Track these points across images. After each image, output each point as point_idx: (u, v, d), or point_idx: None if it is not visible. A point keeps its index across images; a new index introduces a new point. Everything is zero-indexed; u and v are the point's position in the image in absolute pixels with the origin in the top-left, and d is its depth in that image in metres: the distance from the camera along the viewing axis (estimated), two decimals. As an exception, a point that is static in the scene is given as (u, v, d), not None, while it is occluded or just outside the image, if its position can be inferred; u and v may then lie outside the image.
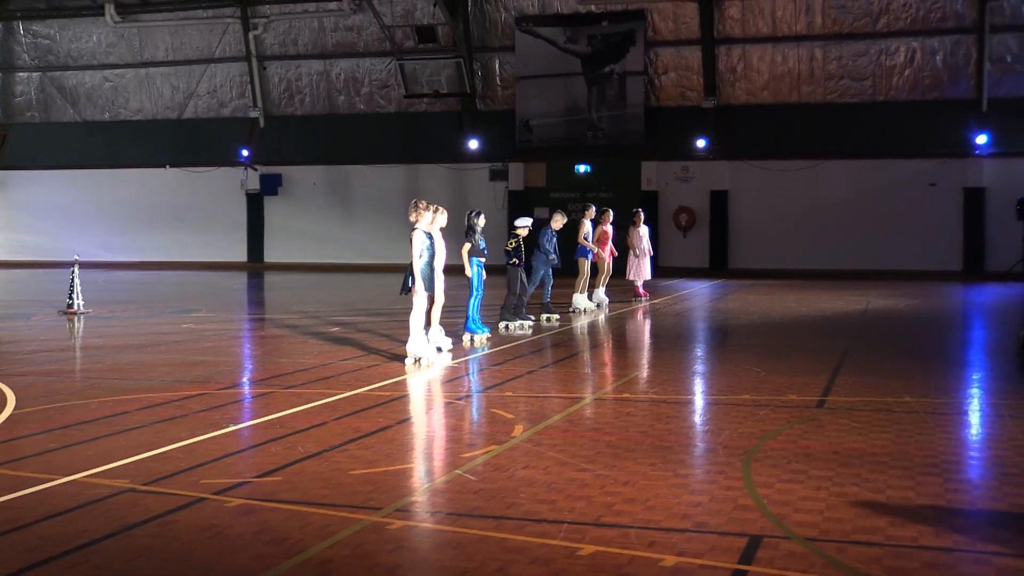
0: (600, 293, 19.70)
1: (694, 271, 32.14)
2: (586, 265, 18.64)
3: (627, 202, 29.73)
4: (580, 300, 18.62)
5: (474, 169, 34.87)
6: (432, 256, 11.80)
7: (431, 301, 12.38)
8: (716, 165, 32.90)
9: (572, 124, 33.91)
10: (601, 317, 18.33)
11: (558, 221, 17.62)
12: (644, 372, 11.71)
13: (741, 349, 14.13)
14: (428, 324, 12.70)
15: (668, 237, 32.86)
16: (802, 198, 32.25)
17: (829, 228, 31.92)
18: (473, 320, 14.05)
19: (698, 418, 9.07)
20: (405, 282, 11.81)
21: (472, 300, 14.00)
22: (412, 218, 11.70)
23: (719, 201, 32.99)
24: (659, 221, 33.13)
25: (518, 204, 34.04)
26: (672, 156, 33.15)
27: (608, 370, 12.11)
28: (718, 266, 32.51)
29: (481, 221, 14.02)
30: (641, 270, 21.29)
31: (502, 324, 15.79)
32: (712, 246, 32.77)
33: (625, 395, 10.06)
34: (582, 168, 33.87)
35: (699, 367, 12.38)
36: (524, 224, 16.02)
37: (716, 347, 14.88)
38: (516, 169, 34.42)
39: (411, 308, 11.94)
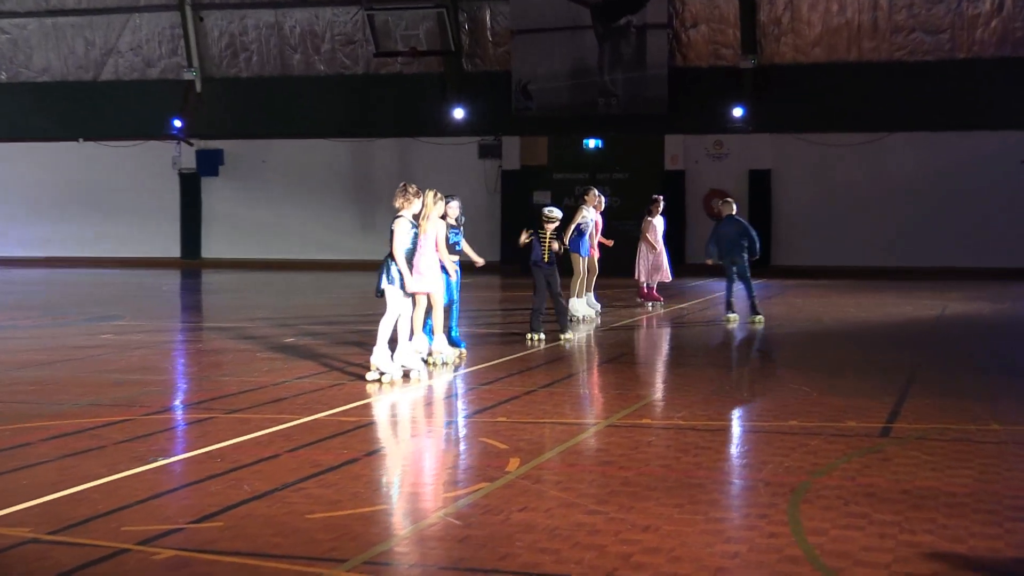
0: (591, 298, 19.43)
1: (729, 269, 32.15)
2: (582, 262, 18.46)
3: (647, 185, 29.69)
4: (579, 305, 18.51)
5: (460, 144, 34.90)
6: (413, 248, 11.86)
7: (419, 304, 12.70)
8: (756, 139, 32.96)
9: (580, 89, 33.96)
10: (596, 326, 18.31)
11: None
12: (666, 393, 11.69)
13: (786, 364, 14.10)
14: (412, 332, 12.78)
15: (697, 227, 32.93)
16: (862, 179, 32.33)
17: (895, 216, 32.00)
18: (450, 330, 14.04)
19: (734, 449, 9.05)
20: (381, 282, 11.77)
21: (444, 308, 13.95)
22: (398, 204, 11.77)
23: (759, 183, 33.05)
24: (686, 208, 33.20)
25: (514, 187, 34.09)
26: (702, 129, 33.21)
27: (622, 391, 12.07)
28: (759, 261, 32.28)
29: (454, 208, 13.98)
30: (659, 269, 21.01)
31: (534, 336, 15.67)
32: (751, 238, 32.80)
33: (644, 421, 10.04)
34: (592, 143, 33.92)
35: (734, 387, 12.36)
36: (556, 216, 16.01)
37: (755, 362, 14.85)
38: (511, 144, 34.46)
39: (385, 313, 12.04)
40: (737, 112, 32.85)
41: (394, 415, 10.58)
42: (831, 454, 8.52)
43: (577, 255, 18.30)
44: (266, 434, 9.26)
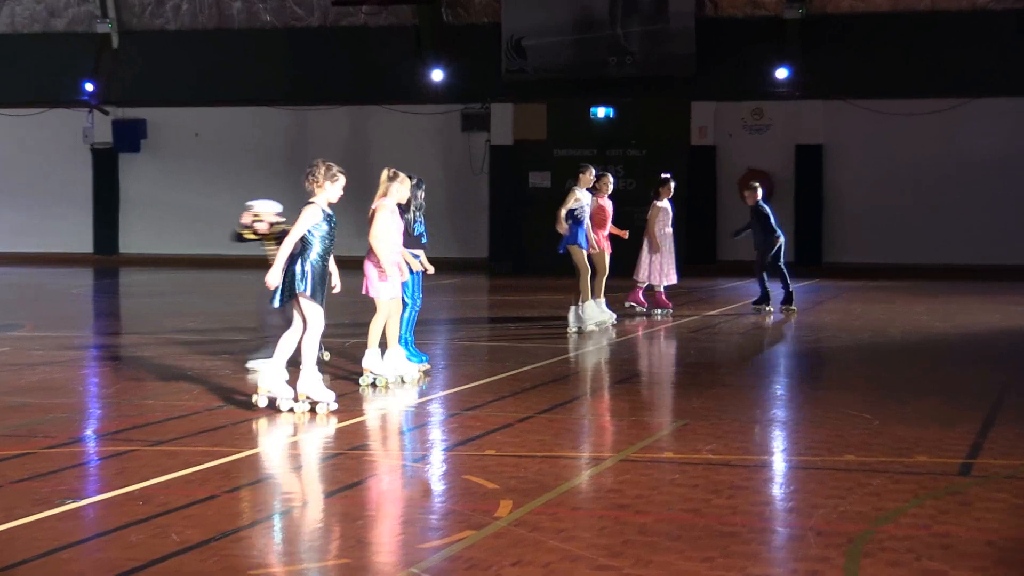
0: (603, 304, 19.34)
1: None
2: (583, 256, 18.28)
3: (669, 164, 29.52)
4: (589, 311, 18.36)
5: (438, 113, 34.87)
6: (329, 246, 11.67)
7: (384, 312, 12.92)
8: (804, 107, 32.96)
9: (587, 46, 33.95)
10: (609, 338, 18.30)
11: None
12: (693, 420, 11.70)
13: (842, 386, 14.09)
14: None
15: (731, 215, 32.90)
16: (935, 157, 32.35)
17: (976, 202, 32.00)
18: (406, 343, 14.01)
19: (777, 489, 9.05)
20: (284, 287, 11.59)
21: (405, 313, 13.90)
22: (308, 187, 11.62)
23: (809, 161, 33.06)
24: (718, 191, 33.20)
25: (505, 166, 34.04)
26: (738, 94, 33.20)
27: (638, 417, 12.04)
28: (807, 259, 32.53)
29: (420, 194, 14.01)
30: (663, 268, 20.76)
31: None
32: (798, 229, 32.75)
33: (665, 454, 10.03)
34: (601, 112, 33.92)
35: (777, 412, 12.34)
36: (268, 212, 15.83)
37: (803, 382, 14.84)
38: (502, 113, 34.44)
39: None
40: (781, 73, 32.84)
41: (357, 447, 10.55)
42: (898, 496, 8.51)
43: (577, 248, 18.10)
44: (199, 471, 9.23)
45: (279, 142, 36.17)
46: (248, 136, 36.50)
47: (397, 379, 13.26)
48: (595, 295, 19.01)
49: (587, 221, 18.31)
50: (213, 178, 36.55)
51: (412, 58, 35.16)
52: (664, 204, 20.76)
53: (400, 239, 13.17)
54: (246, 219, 14.20)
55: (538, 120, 34.40)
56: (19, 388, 13.39)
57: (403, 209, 13.43)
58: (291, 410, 11.52)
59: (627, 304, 20.66)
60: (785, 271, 21.41)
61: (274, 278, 11.42)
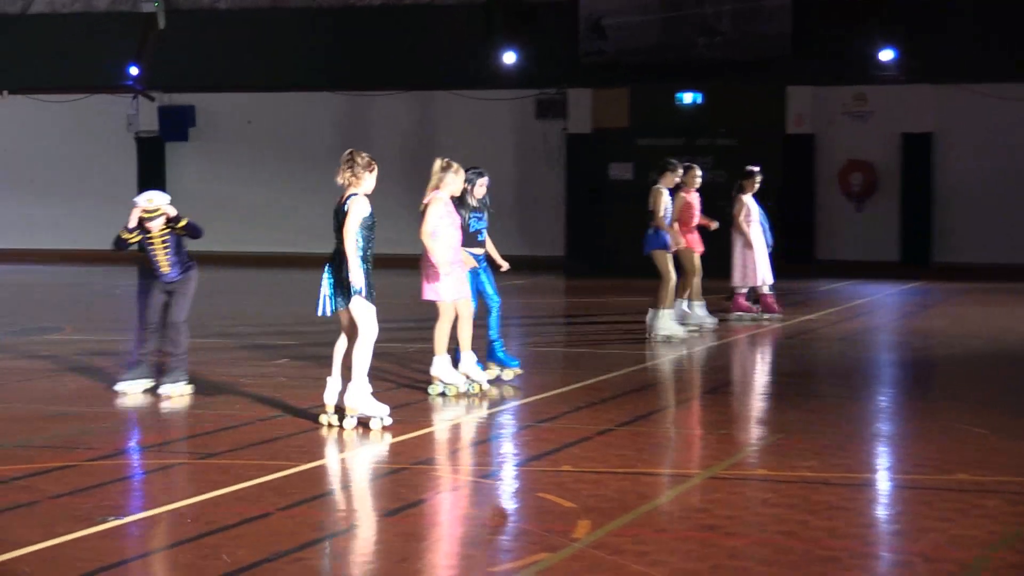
0: (698, 308, 19.26)
1: (874, 267, 31.95)
2: (668, 261, 18.24)
3: (762, 154, 29.32)
4: (662, 320, 18.27)
5: (509, 99, 34.87)
6: (373, 242, 11.68)
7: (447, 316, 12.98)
8: (911, 92, 32.69)
9: (672, 25, 33.85)
10: (702, 343, 18.31)
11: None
12: (789, 434, 11.64)
13: (952, 397, 13.96)
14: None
15: (832, 211, 32.70)
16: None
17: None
18: (493, 346, 14.12)
19: (881, 511, 9.00)
20: (340, 292, 11.61)
21: (491, 315, 14.03)
22: (341, 180, 11.62)
23: (917, 151, 32.78)
24: (816, 184, 32.98)
25: (583, 157, 33.98)
26: (838, 78, 32.96)
27: (729, 431, 12.02)
28: (915, 259, 32.29)
29: (480, 188, 14.01)
30: (756, 266, 20.63)
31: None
32: (905, 226, 32.59)
33: (758, 472, 10.02)
34: (688, 98, 33.80)
35: (881, 426, 12.26)
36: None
37: (910, 393, 14.73)
38: (580, 99, 34.35)
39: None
40: (886, 55, 32.58)
41: (422, 461, 10.57)
42: (1015, 519, 8.44)
43: (661, 252, 17.96)
44: (251, 486, 9.28)
45: (337, 130, 36.19)
46: (304, 123, 36.61)
47: (469, 387, 13.30)
48: (692, 297, 19.04)
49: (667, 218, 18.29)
50: (266, 169, 36.73)
51: (481, 40, 35.14)
52: (749, 199, 20.64)
53: (458, 235, 13.14)
54: (136, 218, 13.71)
55: (619, 107, 34.29)
56: (58, 396, 13.52)
57: (457, 203, 13.43)
58: (383, 424, 11.52)
59: (734, 316, 20.50)
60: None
61: (359, 276, 11.39)
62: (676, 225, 18.65)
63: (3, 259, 36.70)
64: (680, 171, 18.61)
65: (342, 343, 11.77)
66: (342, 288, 11.44)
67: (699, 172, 19.62)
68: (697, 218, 19.38)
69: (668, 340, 18.04)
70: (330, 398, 11.70)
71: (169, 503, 8.84)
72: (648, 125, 33.84)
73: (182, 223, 13.67)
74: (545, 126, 34.81)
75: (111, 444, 11.15)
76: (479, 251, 13.90)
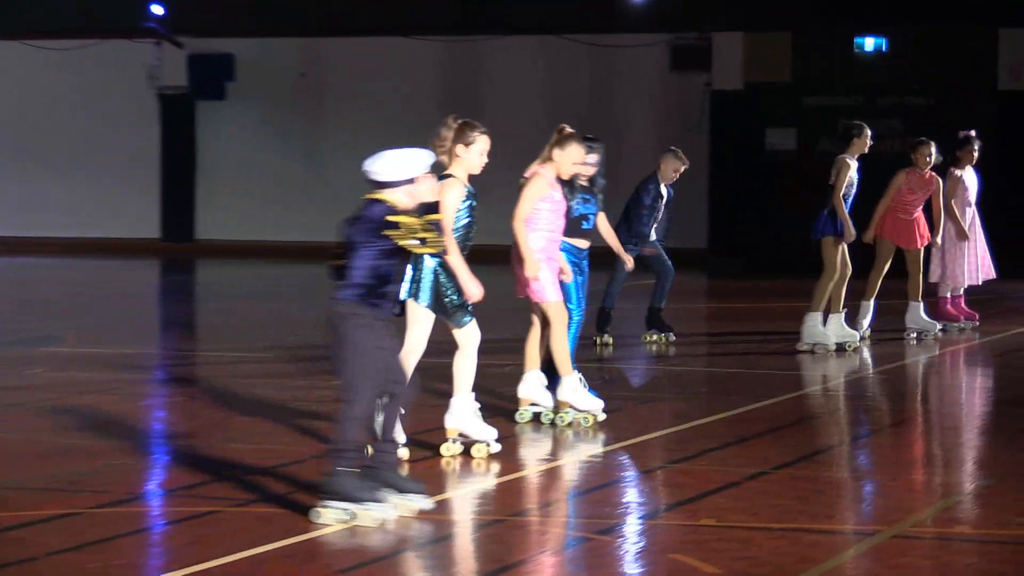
0: (920, 312, 19.27)
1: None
2: (836, 253, 18.26)
3: (964, 116, 29.22)
4: (809, 325, 18.27)
5: (640, 46, 34.94)
6: (470, 235, 11.75)
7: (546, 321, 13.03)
8: None
9: (849, -50, 33.80)
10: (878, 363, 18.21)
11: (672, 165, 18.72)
12: (998, 480, 11.55)
13: None
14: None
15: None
16: None
17: None
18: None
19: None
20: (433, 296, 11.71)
21: (570, 328, 13.92)
22: (437, 154, 11.65)
23: None
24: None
25: (731, 118, 33.93)
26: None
27: (920, 475, 11.97)
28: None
29: (591, 164, 14.01)
30: (961, 264, 20.53)
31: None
32: None
33: (958, 528, 9.96)
34: (869, 44, 33.69)
35: None
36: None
37: None
38: (728, 46, 34.38)
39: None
40: None
41: (519, 513, 10.58)
42: None
43: (831, 240, 18.01)
44: (302, 542, 9.29)
45: (418, 86, 36.39)
46: (379, 77, 36.86)
47: (581, 418, 13.24)
48: (911, 298, 19.16)
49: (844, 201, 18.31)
50: (326, 136, 36.99)
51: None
52: (967, 174, 20.54)
53: (561, 223, 13.10)
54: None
55: (779, 56, 34.28)
56: (59, 425, 13.61)
57: (563, 182, 13.33)
58: (488, 451, 11.82)
59: (939, 329, 20.30)
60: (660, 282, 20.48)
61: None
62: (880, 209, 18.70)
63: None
64: (870, 135, 18.58)
65: (462, 355, 11.96)
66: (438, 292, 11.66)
67: (934, 150, 19.56)
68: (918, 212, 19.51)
69: (818, 350, 18.03)
70: (451, 422, 12.01)
71: (199, 562, 8.82)
72: (816, 80, 33.92)
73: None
74: (682, 80, 34.91)
75: (125, 486, 11.19)
76: (583, 243, 13.85)
